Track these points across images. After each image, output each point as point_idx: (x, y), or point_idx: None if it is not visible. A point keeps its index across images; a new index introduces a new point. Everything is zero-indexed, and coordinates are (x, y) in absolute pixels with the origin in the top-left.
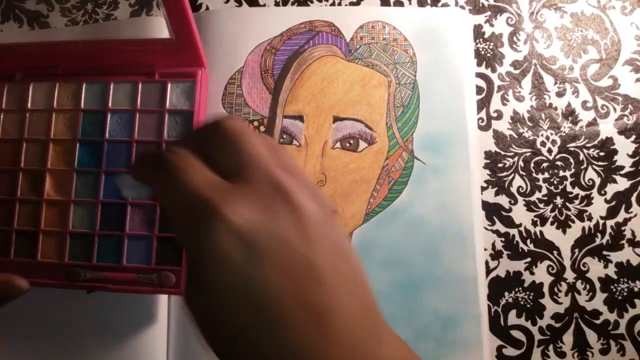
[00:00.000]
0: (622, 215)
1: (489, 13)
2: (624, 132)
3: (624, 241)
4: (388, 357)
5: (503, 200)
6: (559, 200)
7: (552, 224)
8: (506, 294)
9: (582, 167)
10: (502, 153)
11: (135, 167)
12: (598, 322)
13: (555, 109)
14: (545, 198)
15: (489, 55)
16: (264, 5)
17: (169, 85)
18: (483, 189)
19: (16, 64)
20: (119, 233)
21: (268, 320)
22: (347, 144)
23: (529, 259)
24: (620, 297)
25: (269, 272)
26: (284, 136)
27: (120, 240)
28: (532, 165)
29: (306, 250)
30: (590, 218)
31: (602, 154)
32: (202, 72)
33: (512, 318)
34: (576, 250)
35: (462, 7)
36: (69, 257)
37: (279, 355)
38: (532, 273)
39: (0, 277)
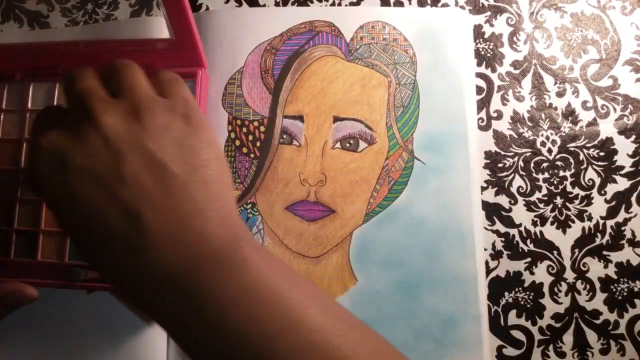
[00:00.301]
0: (622, 215)
1: (489, 13)
2: (624, 132)
3: (624, 241)
4: (212, 253)
5: (503, 200)
6: (559, 200)
7: (552, 224)
8: (506, 294)
9: (582, 167)
10: (502, 153)
11: None
12: (598, 322)
13: (555, 109)
14: (545, 198)
15: (489, 55)
16: (264, 5)
17: None
18: (483, 189)
19: (16, 64)
20: None
21: (88, 224)
22: (347, 144)
23: (529, 259)
24: (620, 297)
25: (77, 184)
26: (284, 136)
27: None
28: (532, 165)
29: (112, 160)
30: (590, 218)
31: (602, 154)
32: (202, 72)
33: (512, 318)
34: (576, 250)
35: (462, 7)
36: (69, 257)
37: (104, 249)
38: (532, 273)
39: (11, 285)
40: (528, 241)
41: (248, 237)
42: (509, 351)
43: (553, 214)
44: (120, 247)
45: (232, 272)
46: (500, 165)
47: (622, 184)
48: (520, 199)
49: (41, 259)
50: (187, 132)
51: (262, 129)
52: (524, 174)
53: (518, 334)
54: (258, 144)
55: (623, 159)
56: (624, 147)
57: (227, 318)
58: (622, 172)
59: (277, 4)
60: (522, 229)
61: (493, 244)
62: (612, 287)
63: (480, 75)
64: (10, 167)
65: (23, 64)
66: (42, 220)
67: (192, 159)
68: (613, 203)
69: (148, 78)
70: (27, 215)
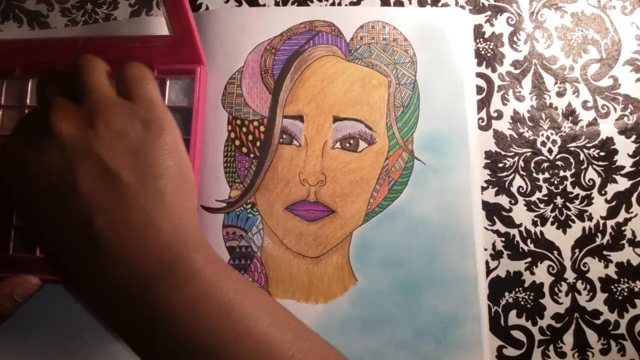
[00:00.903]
0: (622, 215)
1: (489, 13)
2: (625, 132)
3: (624, 241)
4: (162, 265)
5: (503, 200)
6: (559, 200)
7: (552, 224)
8: (506, 294)
9: (582, 167)
10: (503, 153)
11: None
12: (598, 322)
13: (556, 108)
14: (546, 198)
15: (489, 55)
16: (264, 5)
17: (168, 82)
18: (483, 189)
19: (16, 60)
20: None
21: (42, 231)
22: (347, 144)
23: (529, 259)
24: (620, 297)
25: (34, 191)
26: (284, 136)
27: None
28: (532, 165)
29: (65, 169)
30: (590, 218)
31: (602, 154)
32: (201, 69)
33: (513, 318)
34: (576, 250)
35: (462, 7)
36: None
37: (61, 255)
38: (532, 273)
39: (16, 279)
40: (528, 241)
41: (202, 247)
42: (509, 351)
43: (553, 214)
44: (75, 254)
45: (181, 284)
46: (500, 165)
47: (623, 184)
48: (520, 199)
49: (40, 254)
50: (145, 138)
51: (262, 128)
52: (524, 174)
53: (518, 334)
54: (258, 143)
55: (623, 159)
56: (624, 147)
57: (177, 329)
58: (623, 172)
59: (277, 4)
60: (522, 229)
61: (493, 244)
62: (612, 287)
63: (480, 75)
64: None
65: (22, 59)
66: None
67: (146, 168)
68: (613, 203)
69: (114, 74)
70: None
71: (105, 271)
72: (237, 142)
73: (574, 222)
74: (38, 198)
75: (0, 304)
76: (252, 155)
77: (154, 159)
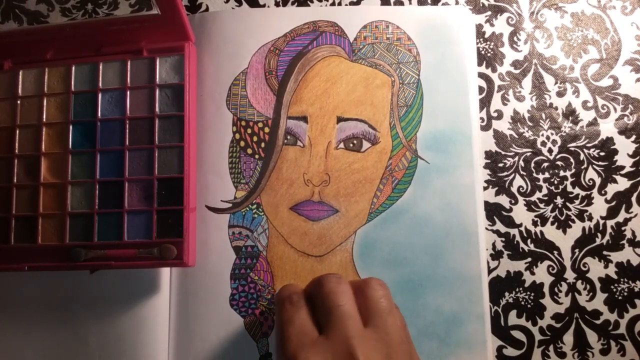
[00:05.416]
0: (622, 215)
1: (489, 13)
2: (625, 132)
3: (624, 241)
4: None
5: (503, 200)
6: (559, 200)
7: (552, 224)
8: (506, 294)
9: (582, 167)
10: (503, 153)
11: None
12: (598, 322)
13: (556, 108)
14: (546, 198)
15: (489, 55)
16: (264, 5)
17: (158, 60)
18: (483, 188)
19: (5, 53)
20: (119, 210)
21: None
22: (351, 144)
23: (529, 259)
24: (620, 297)
25: None
26: (288, 137)
27: (120, 217)
28: (532, 165)
29: None
30: (590, 218)
31: (602, 153)
32: (190, 45)
33: (513, 318)
34: (576, 250)
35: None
36: (70, 238)
37: None
38: (532, 273)
39: None
40: (528, 241)
41: None
42: (509, 351)
43: (553, 214)
44: None
45: None
46: (500, 165)
47: (623, 184)
48: (520, 198)
49: (42, 242)
50: None
51: (267, 130)
52: (524, 173)
53: (518, 334)
54: (263, 144)
55: (623, 159)
56: (624, 147)
57: None
58: (623, 172)
59: (277, 4)
60: (522, 228)
61: (493, 244)
62: (612, 287)
63: (480, 75)
64: (5, 155)
65: (11, 52)
66: (40, 203)
67: None
68: (613, 203)
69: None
70: (24, 200)
71: None
72: (242, 143)
73: (574, 222)
74: None
75: None
76: (257, 156)
77: None
